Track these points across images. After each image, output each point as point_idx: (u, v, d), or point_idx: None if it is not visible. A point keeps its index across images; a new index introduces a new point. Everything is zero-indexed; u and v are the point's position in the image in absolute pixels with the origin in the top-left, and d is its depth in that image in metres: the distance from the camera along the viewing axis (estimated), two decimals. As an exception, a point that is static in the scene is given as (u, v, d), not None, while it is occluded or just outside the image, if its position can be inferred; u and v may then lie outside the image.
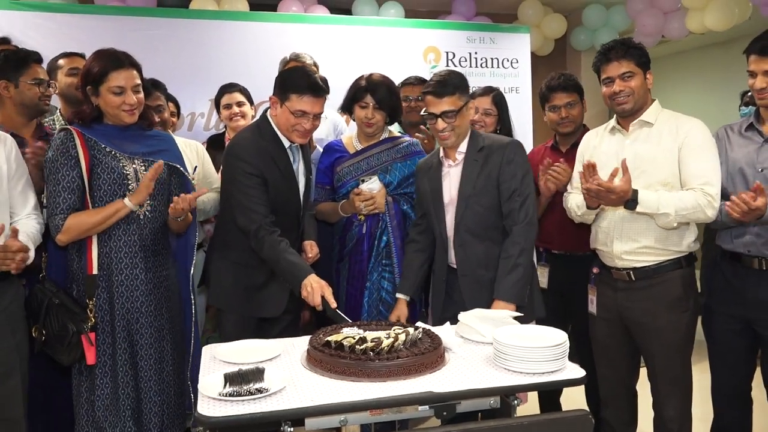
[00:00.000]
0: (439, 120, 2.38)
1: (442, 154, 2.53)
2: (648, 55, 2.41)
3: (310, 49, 3.41)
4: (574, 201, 2.54)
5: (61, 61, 2.93)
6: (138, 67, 2.29)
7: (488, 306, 2.28)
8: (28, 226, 2.21)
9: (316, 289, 2.19)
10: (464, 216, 2.43)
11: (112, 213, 2.22)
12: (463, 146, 2.46)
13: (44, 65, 2.96)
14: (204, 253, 2.83)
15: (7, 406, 2.18)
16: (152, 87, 2.91)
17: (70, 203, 2.20)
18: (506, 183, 2.38)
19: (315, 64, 3.15)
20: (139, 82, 2.27)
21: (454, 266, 2.49)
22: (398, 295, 2.59)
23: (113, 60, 2.24)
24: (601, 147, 2.51)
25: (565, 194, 2.65)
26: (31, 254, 2.17)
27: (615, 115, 2.52)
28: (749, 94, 4.99)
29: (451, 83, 2.38)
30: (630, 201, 2.26)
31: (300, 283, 2.23)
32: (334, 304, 2.18)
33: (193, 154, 3.06)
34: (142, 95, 2.29)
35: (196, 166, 3.00)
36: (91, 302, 2.22)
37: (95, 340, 2.21)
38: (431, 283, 2.63)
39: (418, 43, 4.48)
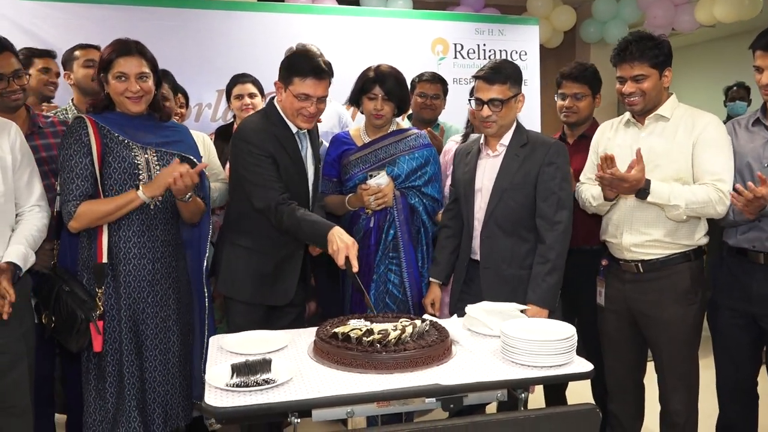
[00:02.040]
0: (486, 107, 2.38)
1: (482, 141, 2.53)
2: (668, 52, 2.34)
3: (317, 40, 3.40)
4: (589, 192, 2.52)
5: (77, 52, 2.93)
6: (147, 56, 2.28)
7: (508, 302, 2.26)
8: (29, 225, 2.20)
9: (341, 248, 2.16)
10: (496, 209, 2.43)
11: (124, 203, 2.22)
12: (506, 138, 2.46)
13: (58, 57, 2.96)
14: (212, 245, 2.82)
15: (15, 395, 2.19)
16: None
17: (83, 190, 2.20)
18: (544, 184, 2.38)
19: (322, 56, 3.13)
20: (145, 70, 2.25)
21: (476, 258, 2.50)
22: (431, 279, 2.63)
23: (121, 47, 2.24)
24: (615, 139, 2.49)
25: (577, 185, 2.63)
26: (31, 258, 2.17)
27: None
28: (734, 88, 5.02)
29: (504, 72, 2.37)
30: (642, 190, 2.25)
31: (325, 239, 2.21)
32: (356, 268, 2.15)
33: (199, 145, 3.05)
34: (149, 84, 2.27)
35: (200, 157, 2.99)
36: (100, 290, 2.22)
37: (103, 328, 2.21)
38: (454, 269, 2.64)
39: (426, 34, 4.46)
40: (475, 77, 2.45)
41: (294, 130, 2.47)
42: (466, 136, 3.05)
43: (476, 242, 2.50)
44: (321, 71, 2.37)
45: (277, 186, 2.35)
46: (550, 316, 2.34)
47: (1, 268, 2.07)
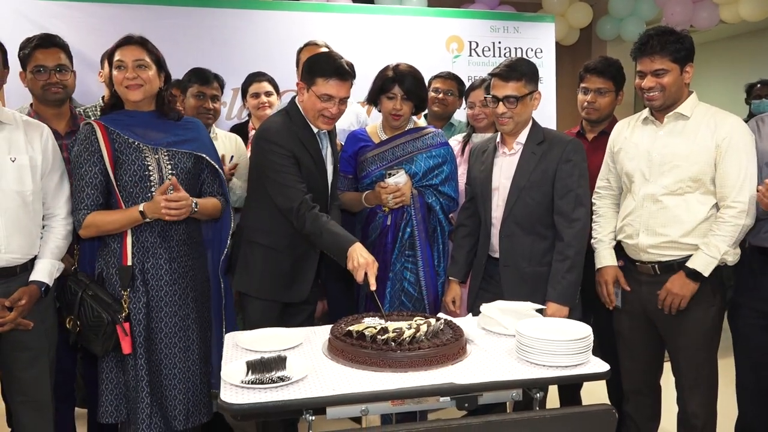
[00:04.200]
0: (501, 104, 2.40)
1: (498, 139, 2.53)
2: (690, 47, 2.31)
3: (331, 38, 3.40)
4: (600, 234, 2.55)
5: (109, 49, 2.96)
6: (147, 47, 2.26)
7: (528, 301, 2.24)
8: (56, 235, 2.27)
9: (362, 265, 2.17)
10: (515, 207, 2.43)
11: (127, 221, 2.21)
12: (523, 136, 2.47)
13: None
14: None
15: (36, 389, 2.23)
16: (213, 78, 3.01)
17: (93, 199, 2.21)
18: (562, 181, 2.39)
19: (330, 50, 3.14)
20: (144, 58, 2.22)
21: (495, 256, 2.50)
22: (450, 278, 2.65)
23: (123, 39, 2.24)
24: (632, 138, 2.47)
25: (595, 191, 2.62)
26: (59, 268, 2.27)
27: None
28: (758, 86, 4.95)
29: (519, 69, 2.39)
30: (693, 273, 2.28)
31: (345, 254, 2.22)
32: (373, 286, 2.16)
33: (232, 145, 3.09)
34: (148, 74, 2.23)
35: (232, 156, 3.01)
36: (125, 293, 2.23)
37: (130, 330, 2.22)
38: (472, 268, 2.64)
39: (440, 32, 4.44)
40: (491, 75, 2.45)
41: (315, 130, 2.48)
42: (467, 136, 3.06)
43: (495, 240, 2.50)
44: (344, 72, 2.38)
45: (301, 187, 2.37)
46: (570, 315, 2.33)
47: (28, 290, 2.17)
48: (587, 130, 2.90)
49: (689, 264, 2.28)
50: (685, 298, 2.29)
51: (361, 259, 2.18)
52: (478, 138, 2.95)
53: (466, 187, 2.71)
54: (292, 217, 2.36)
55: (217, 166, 2.44)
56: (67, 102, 2.60)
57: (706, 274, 2.26)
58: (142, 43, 2.26)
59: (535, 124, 2.50)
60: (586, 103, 2.81)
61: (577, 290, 2.40)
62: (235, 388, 1.66)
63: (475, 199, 2.61)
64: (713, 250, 2.25)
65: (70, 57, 2.58)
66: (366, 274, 2.16)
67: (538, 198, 2.41)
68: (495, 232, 2.50)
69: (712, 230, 2.27)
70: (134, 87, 2.22)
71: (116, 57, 2.22)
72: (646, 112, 2.46)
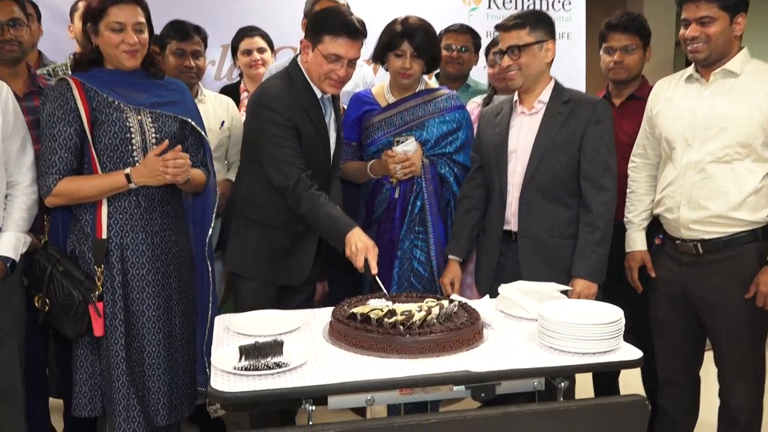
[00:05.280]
0: (505, 56, 2.43)
1: (516, 99, 2.54)
2: None
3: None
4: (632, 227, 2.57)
5: (80, 3, 2.94)
6: (142, 4, 2.27)
7: (549, 278, 2.27)
8: (19, 206, 2.26)
9: (360, 249, 2.19)
10: (537, 172, 2.44)
11: (109, 188, 2.22)
12: (545, 95, 2.48)
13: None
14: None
15: (3, 375, 2.24)
16: (194, 31, 2.95)
17: (67, 162, 2.20)
18: (591, 143, 2.40)
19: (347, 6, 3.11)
20: (142, 20, 2.24)
21: (511, 229, 2.51)
22: (450, 257, 2.64)
23: None
24: (673, 99, 2.44)
25: (631, 159, 2.61)
26: (25, 242, 2.27)
27: (693, 62, 2.42)
28: None
29: (522, 16, 2.45)
30: None
31: (343, 240, 2.24)
32: (375, 270, 2.17)
33: (223, 109, 3.08)
34: (145, 37, 2.26)
35: (223, 122, 3.00)
36: (99, 269, 2.24)
37: (103, 310, 2.23)
38: (477, 247, 2.65)
39: (456, -19, 4.39)
40: (496, 28, 2.51)
41: (318, 95, 2.47)
42: (488, 98, 3.04)
43: (511, 210, 2.50)
44: (355, 30, 2.37)
45: (299, 162, 2.37)
46: (598, 297, 2.34)
47: None
48: (614, 95, 2.88)
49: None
50: None
51: (359, 244, 2.19)
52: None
53: (472, 155, 2.70)
54: (287, 196, 2.36)
55: (203, 134, 2.44)
56: (23, 60, 2.57)
57: None
58: (138, 1, 2.25)
59: (557, 83, 2.51)
60: (612, 64, 2.80)
61: (605, 266, 2.41)
62: (227, 375, 1.68)
63: (484, 167, 2.60)
64: None
65: (24, 10, 2.51)
66: (366, 260, 2.17)
67: (564, 161, 2.42)
68: (511, 200, 2.50)
69: None
70: (133, 53, 2.23)
71: (112, 17, 2.20)
72: (690, 70, 2.43)
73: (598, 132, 2.40)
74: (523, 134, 2.49)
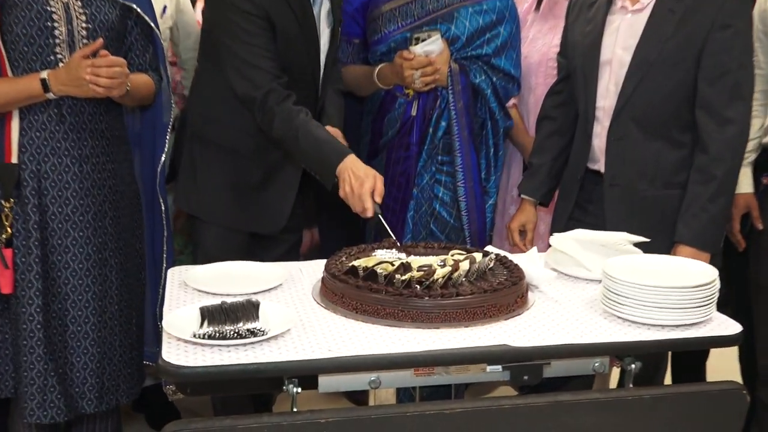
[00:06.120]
0: None
1: None
2: None
3: None
4: None
5: None
6: None
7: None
8: None
9: (356, 192, 2.17)
10: (635, 94, 2.39)
11: (20, 96, 2.21)
12: None
13: None
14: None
15: None
16: None
17: None
18: (715, 57, 2.32)
19: None
20: None
21: (597, 169, 2.50)
22: (523, 196, 2.67)
23: None
24: None
25: None
26: None
27: None
28: None
29: None
30: None
31: (333, 172, 2.23)
32: (378, 200, 2.17)
33: None
34: None
35: (165, 7, 2.97)
36: (8, 204, 2.25)
37: (12, 259, 2.25)
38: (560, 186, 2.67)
39: None
40: None
41: None
42: None
43: (598, 144, 2.48)
44: None
45: (270, 66, 2.36)
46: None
47: None
48: None
49: None
50: None
51: (358, 175, 2.17)
52: None
53: (559, 59, 2.68)
54: (255, 112, 2.36)
55: (152, 25, 2.44)
56: None
57: None
58: None
59: None
60: None
61: (723, 229, 2.40)
62: (184, 345, 1.67)
63: (572, 77, 2.57)
64: None
65: None
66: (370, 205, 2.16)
67: (677, 79, 2.35)
68: (599, 131, 2.48)
69: None
70: None
71: None
72: None
73: (726, 40, 2.31)
74: (621, 39, 2.43)
